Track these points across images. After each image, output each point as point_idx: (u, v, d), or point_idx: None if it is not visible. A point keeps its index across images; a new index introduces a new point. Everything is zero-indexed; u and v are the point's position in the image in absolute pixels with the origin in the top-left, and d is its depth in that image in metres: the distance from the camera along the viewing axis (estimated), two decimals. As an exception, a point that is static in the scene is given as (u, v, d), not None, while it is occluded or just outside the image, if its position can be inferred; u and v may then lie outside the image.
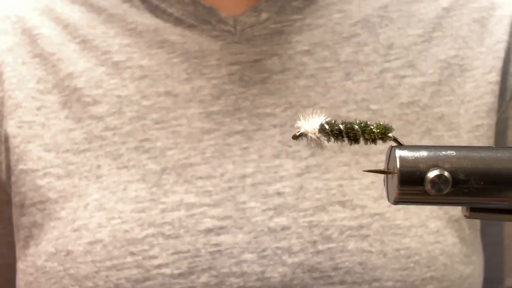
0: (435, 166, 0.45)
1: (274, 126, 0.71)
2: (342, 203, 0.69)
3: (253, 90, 0.72)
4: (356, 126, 0.47)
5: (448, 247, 0.70)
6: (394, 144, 0.47)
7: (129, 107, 0.71)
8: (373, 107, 0.71)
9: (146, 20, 0.74)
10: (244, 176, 0.70)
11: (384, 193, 0.66)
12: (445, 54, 0.74)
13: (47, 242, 0.70)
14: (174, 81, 0.72)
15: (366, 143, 0.47)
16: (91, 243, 0.68)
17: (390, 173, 0.46)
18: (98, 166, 0.70)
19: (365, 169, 0.68)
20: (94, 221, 0.69)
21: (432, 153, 0.45)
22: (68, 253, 0.69)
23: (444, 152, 0.45)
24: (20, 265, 0.72)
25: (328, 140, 0.47)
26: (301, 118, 0.48)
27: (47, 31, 0.75)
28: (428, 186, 0.44)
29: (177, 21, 0.73)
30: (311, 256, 0.67)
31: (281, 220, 0.68)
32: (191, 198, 0.69)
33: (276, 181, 0.69)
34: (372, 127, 0.47)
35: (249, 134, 0.71)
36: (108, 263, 0.68)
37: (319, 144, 0.47)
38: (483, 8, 0.76)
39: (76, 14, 0.75)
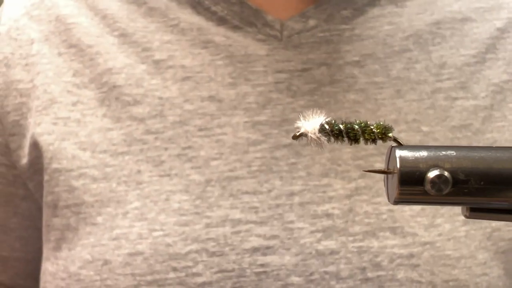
0: (435, 166, 0.44)
1: None
2: (393, 230, 0.66)
3: (301, 101, 0.68)
4: (356, 126, 0.47)
5: (494, 279, 0.68)
6: (394, 144, 0.47)
7: (171, 110, 0.68)
8: (424, 128, 0.69)
9: (188, 16, 0.71)
10: (292, 194, 0.67)
11: (435, 221, 0.67)
12: (498, 78, 0.71)
13: (82, 248, 0.68)
14: (218, 85, 0.69)
15: (366, 143, 0.47)
16: (131, 255, 0.66)
17: (390, 173, 0.46)
18: (138, 171, 0.67)
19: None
20: (135, 231, 0.66)
21: (432, 153, 0.45)
22: (106, 262, 0.66)
23: (444, 152, 0.45)
24: (49, 267, 0.70)
25: (328, 140, 0.47)
26: (301, 118, 0.48)
27: (84, 21, 0.71)
28: (428, 186, 0.44)
29: (221, 21, 0.70)
30: (359, 283, 0.65)
31: (330, 244, 0.66)
32: (236, 214, 0.66)
33: (325, 201, 0.67)
34: (372, 127, 0.47)
35: (297, 148, 0.68)
36: (149, 278, 0.65)
37: (319, 144, 0.47)
38: None
39: (115, 4, 0.72)
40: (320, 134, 0.47)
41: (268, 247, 0.65)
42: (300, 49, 0.70)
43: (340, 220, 0.66)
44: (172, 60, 0.70)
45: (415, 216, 0.67)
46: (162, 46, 0.70)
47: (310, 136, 0.47)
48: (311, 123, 0.48)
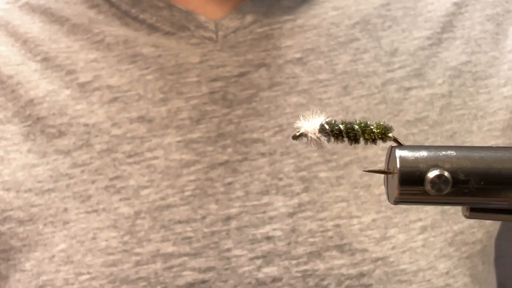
0: (435, 166, 0.44)
1: (263, 154, 0.63)
2: (340, 248, 0.62)
3: (238, 110, 0.64)
4: (356, 126, 0.47)
5: None
6: (394, 144, 0.47)
7: (98, 137, 0.64)
8: None
9: (114, 29, 0.66)
10: (228, 218, 0.62)
11: (388, 233, 0.63)
12: (456, 60, 0.66)
13: None
14: (148, 103, 0.64)
15: (366, 143, 0.47)
16: None
17: (390, 173, 0.46)
18: (65, 210, 0.63)
19: (364, 200, 0.63)
20: (61, 276, 0.62)
21: (432, 153, 0.45)
22: None
23: (444, 152, 0.45)
24: None
25: (328, 140, 0.47)
26: (301, 118, 0.48)
27: (3, 49, 0.67)
28: (428, 186, 0.44)
29: (151, 29, 0.66)
30: None
31: (271, 270, 0.61)
32: (168, 248, 0.62)
33: (265, 223, 0.62)
34: (372, 127, 0.47)
35: (234, 165, 0.63)
36: None
37: (319, 144, 0.47)
38: (497, 2, 0.68)
39: (36, 26, 0.67)
40: (320, 134, 0.47)
41: (203, 281, 0.61)
42: (237, 49, 0.65)
43: (282, 242, 0.62)
44: (98, 81, 0.65)
45: (365, 229, 0.63)
46: (86, 66, 0.66)
47: (310, 136, 0.47)
48: (311, 123, 0.47)
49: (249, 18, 0.65)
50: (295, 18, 0.66)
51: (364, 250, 0.62)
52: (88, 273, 0.62)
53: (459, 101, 0.66)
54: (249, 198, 0.63)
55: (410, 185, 0.45)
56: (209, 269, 0.62)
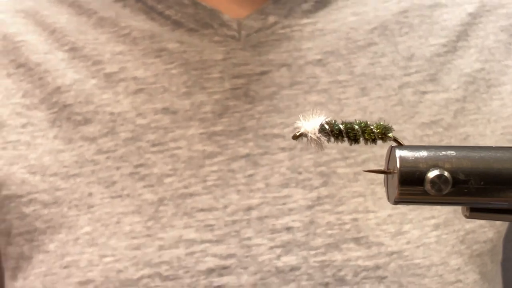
0: (435, 166, 0.44)
1: (283, 149, 0.65)
2: (357, 241, 0.63)
3: (260, 107, 0.66)
4: (356, 126, 0.47)
5: (469, 285, 0.65)
6: (394, 144, 0.47)
7: (123, 126, 0.66)
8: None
9: (140, 23, 0.68)
10: (249, 208, 0.64)
11: (403, 228, 0.64)
12: (470, 67, 0.68)
13: (35, 278, 0.65)
14: (172, 95, 0.66)
15: (366, 143, 0.47)
16: (81, 283, 0.63)
17: (390, 173, 0.46)
18: (90, 194, 0.65)
19: (380, 196, 0.64)
20: (85, 258, 0.64)
21: (432, 153, 0.45)
22: None
23: (444, 152, 0.45)
24: None
25: (328, 140, 0.47)
26: (301, 118, 0.48)
27: (32, 38, 0.69)
28: (428, 186, 0.44)
29: (175, 25, 0.68)
30: None
31: (290, 260, 0.63)
32: (191, 234, 0.63)
33: (285, 214, 0.64)
34: (372, 127, 0.47)
35: (255, 158, 0.65)
36: None
37: (319, 144, 0.47)
38: (510, 14, 0.70)
39: (64, 17, 0.69)
40: (320, 134, 0.47)
41: (224, 267, 0.63)
42: (259, 49, 0.67)
43: (301, 233, 0.63)
44: (123, 73, 0.67)
45: (381, 224, 0.64)
46: (113, 58, 0.67)
47: (310, 136, 0.47)
48: (311, 123, 0.47)
49: (271, 19, 0.67)
50: (315, 22, 0.68)
51: (380, 244, 0.63)
52: (112, 255, 0.63)
53: (472, 106, 0.68)
54: (270, 190, 0.64)
55: (410, 185, 0.45)
56: (230, 256, 0.63)
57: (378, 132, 0.47)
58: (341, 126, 0.47)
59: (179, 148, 0.65)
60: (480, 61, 0.69)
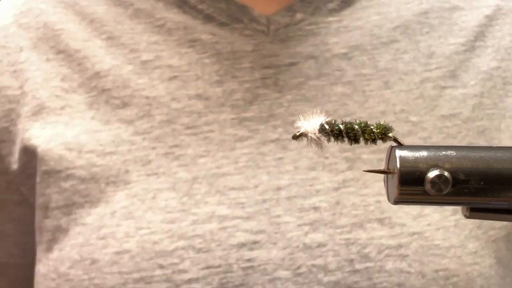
0: (435, 166, 0.44)
1: None
2: (381, 221, 0.66)
3: (288, 96, 0.69)
4: (356, 126, 0.47)
5: (485, 268, 0.68)
6: (394, 144, 0.47)
7: (158, 109, 0.69)
8: (413, 119, 0.69)
9: (174, 16, 0.71)
10: (279, 188, 0.67)
11: (424, 211, 0.66)
12: (487, 66, 0.72)
13: (71, 248, 0.68)
14: (205, 83, 0.69)
15: (366, 143, 0.47)
16: (118, 253, 0.66)
17: (390, 173, 0.46)
18: (126, 171, 0.68)
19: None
20: (122, 230, 0.66)
21: (432, 153, 0.45)
22: (94, 261, 0.66)
23: (444, 152, 0.45)
24: (41, 269, 0.70)
25: (328, 140, 0.47)
26: (301, 118, 0.48)
27: (71, 26, 0.72)
28: (428, 186, 0.44)
29: (207, 18, 0.71)
30: (347, 275, 0.65)
31: (317, 237, 0.66)
32: (223, 210, 0.66)
33: (312, 195, 0.67)
34: (372, 127, 0.47)
35: (284, 143, 0.68)
36: (135, 275, 0.65)
37: (319, 144, 0.47)
38: None
39: (101, 8, 0.72)
40: (320, 134, 0.47)
41: (255, 242, 0.65)
42: (287, 43, 0.70)
43: (328, 213, 0.66)
44: (159, 60, 0.70)
45: (403, 207, 0.67)
46: (149, 47, 0.71)
47: (310, 136, 0.47)
48: (311, 123, 0.47)
49: (298, 16, 0.70)
50: (340, 20, 0.71)
51: (402, 225, 0.66)
52: (148, 228, 0.66)
53: (489, 101, 0.71)
54: (298, 172, 0.67)
55: (410, 185, 0.45)
56: (260, 231, 0.66)
57: (378, 132, 0.47)
58: (341, 126, 0.47)
59: (211, 131, 0.68)
60: (496, 60, 0.72)
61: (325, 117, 0.48)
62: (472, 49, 0.72)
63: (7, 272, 0.77)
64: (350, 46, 0.70)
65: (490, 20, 0.74)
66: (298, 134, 0.48)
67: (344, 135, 0.47)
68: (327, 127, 0.47)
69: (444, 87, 0.71)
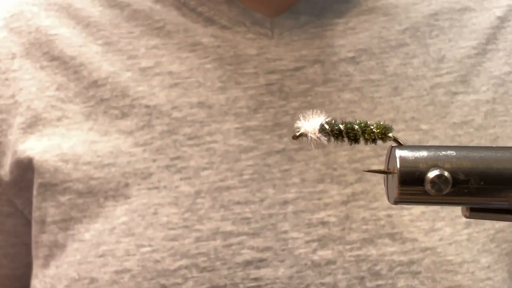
0: (435, 166, 0.44)
1: None
2: (392, 236, 0.64)
3: (294, 103, 0.66)
4: (356, 126, 0.47)
5: (498, 283, 0.66)
6: (394, 144, 0.47)
7: (159, 119, 0.66)
8: (424, 127, 0.67)
9: (173, 18, 0.68)
10: (285, 202, 0.64)
11: (436, 225, 0.65)
12: (499, 70, 0.70)
13: (68, 266, 0.65)
14: (207, 90, 0.66)
15: (366, 143, 0.47)
16: (118, 272, 0.64)
17: (390, 173, 0.46)
18: (126, 185, 0.65)
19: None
20: (122, 247, 0.64)
21: (432, 153, 0.45)
22: (92, 281, 0.64)
23: (444, 152, 0.45)
24: (37, 285, 0.68)
25: (328, 140, 0.47)
26: (301, 118, 0.48)
27: (65, 31, 0.69)
28: (428, 186, 0.44)
29: (208, 21, 0.68)
30: None
31: (326, 253, 0.63)
32: (228, 226, 0.64)
33: (320, 209, 0.64)
34: (372, 127, 0.47)
35: (290, 154, 0.65)
36: None
37: (319, 144, 0.47)
38: None
39: (96, 10, 0.69)
40: (320, 134, 0.47)
41: (261, 260, 0.63)
42: (292, 46, 0.67)
43: (337, 228, 0.64)
44: (159, 67, 0.67)
45: (415, 220, 0.65)
46: (148, 52, 0.68)
47: (310, 136, 0.47)
48: (311, 123, 0.47)
49: (303, 18, 0.68)
50: (346, 22, 0.69)
51: (414, 240, 0.64)
52: (150, 245, 0.63)
53: (502, 108, 0.69)
54: (305, 185, 0.65)
55: (410, 185, 0.45)
56: (267, 249, 0.63)
57: (378, 132, 0.47)
58: (341, 126, 0.47)
59: (215, 142, 0.66)
60: (508, 64, 0.70)
61: (325, 117, 0.48)
62: (484, 52, 0.70)
63: None
64: (357, 50, 0.68)
65: (502, 21, 0.71)
66: (298, 134, 0.48)
67: (344, 135, 0.47)
68: (327, 127, 0.47)
69: (456, 93, 0.68)
